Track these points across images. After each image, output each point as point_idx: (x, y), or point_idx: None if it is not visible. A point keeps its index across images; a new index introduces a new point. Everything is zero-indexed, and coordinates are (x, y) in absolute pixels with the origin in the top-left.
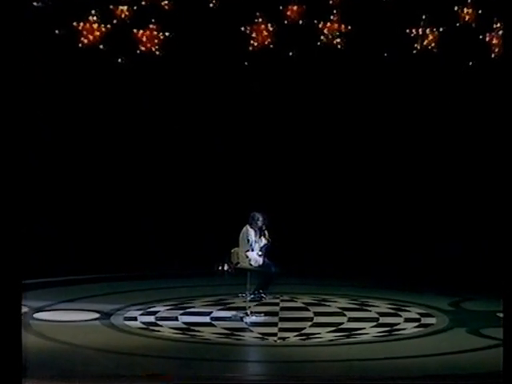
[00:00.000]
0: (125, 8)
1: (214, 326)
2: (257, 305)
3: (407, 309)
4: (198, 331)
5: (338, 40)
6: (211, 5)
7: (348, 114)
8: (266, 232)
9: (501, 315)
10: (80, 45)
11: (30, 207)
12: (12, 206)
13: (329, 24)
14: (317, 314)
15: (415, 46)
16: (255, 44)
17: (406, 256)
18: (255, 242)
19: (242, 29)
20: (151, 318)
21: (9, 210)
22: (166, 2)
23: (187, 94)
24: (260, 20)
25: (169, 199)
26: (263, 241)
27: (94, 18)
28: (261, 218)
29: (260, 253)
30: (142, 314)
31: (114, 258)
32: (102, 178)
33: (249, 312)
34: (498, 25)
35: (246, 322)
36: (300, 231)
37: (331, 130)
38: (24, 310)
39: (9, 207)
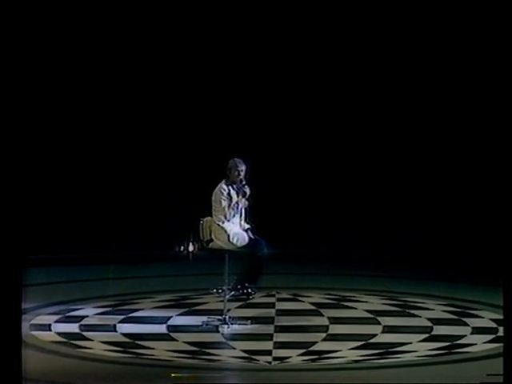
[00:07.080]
0: None
1: (173, 339)
2: (240, 306)
3: (476, 313)
4: (148, 348)
5: None
6: None
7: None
8: (247, 188)
9: None
10: None
11: None
12: None
13: None
14: (334, 320)
15: None
16: None
17: (469, 235)
18: (239, 207)
19: None
20: (74, 327)
21: None
22: None
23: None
24: None
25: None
26: (242, 202)
27: None
28: (243, 167)
29: (247, 226)
30: (58, 321)
31: (28, 236)
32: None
33: (228, 317)
34: None
35: (223, 334)
36: (308, 197)
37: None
38: None
39: None
